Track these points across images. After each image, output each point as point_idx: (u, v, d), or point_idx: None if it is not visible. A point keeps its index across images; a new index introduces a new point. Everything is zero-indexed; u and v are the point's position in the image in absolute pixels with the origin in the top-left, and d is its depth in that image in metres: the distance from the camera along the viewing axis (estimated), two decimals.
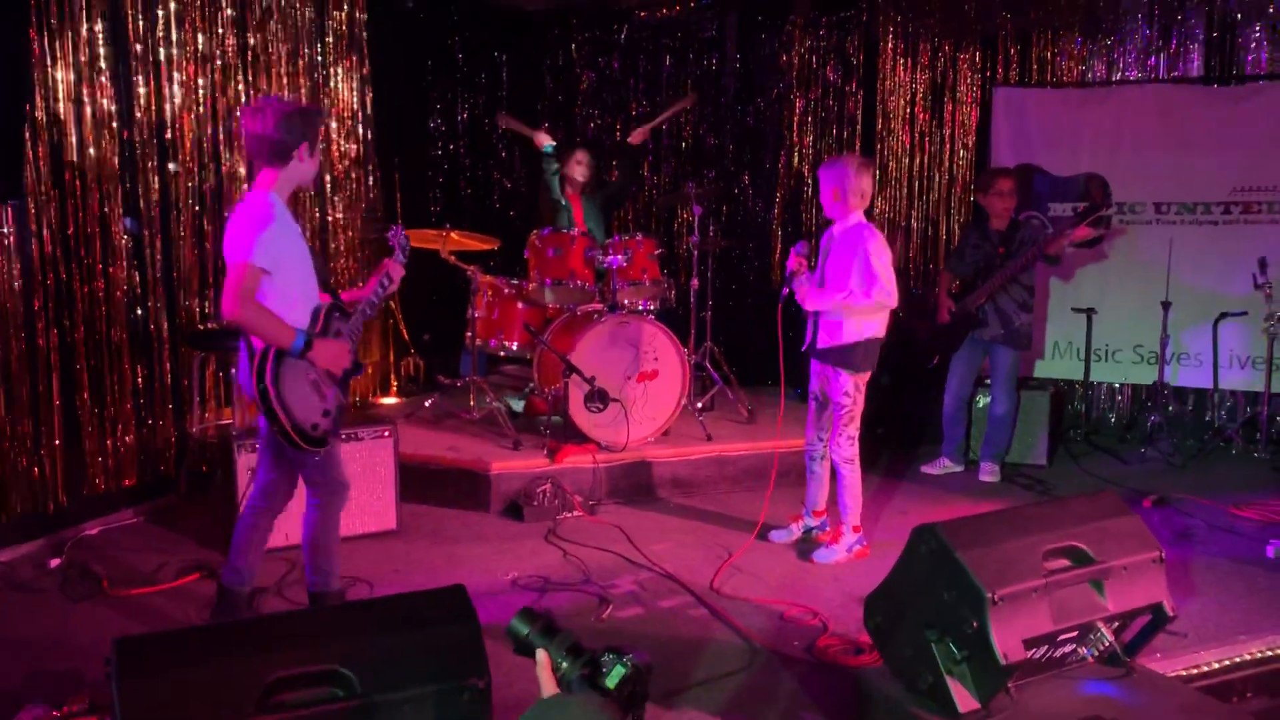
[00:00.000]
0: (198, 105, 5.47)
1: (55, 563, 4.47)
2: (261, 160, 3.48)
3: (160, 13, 5.22)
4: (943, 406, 6.28)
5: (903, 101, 7.60)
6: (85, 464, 4.95)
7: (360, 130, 6.59)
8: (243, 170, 5.75)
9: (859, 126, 7.74)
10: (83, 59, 4.81)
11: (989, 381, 6.23)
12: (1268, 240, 6.60)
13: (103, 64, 4.91)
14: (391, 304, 7.01)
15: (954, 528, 2.89)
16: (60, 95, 4.72)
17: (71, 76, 4.76)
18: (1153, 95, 6.94)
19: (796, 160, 7.87)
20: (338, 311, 3.64)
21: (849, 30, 7.69)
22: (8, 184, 4.53)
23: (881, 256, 4.48)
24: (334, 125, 6.41)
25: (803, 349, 4.78)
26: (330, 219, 6.44)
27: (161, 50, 5.25)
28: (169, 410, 5.40)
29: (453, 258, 6.10)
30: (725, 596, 4.28)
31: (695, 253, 6.42)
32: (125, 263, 5.11)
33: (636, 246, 5.98)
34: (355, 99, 6.52)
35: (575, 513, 5.29)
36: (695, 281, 6.39)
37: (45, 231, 4.67)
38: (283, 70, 5.97)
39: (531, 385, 6.12)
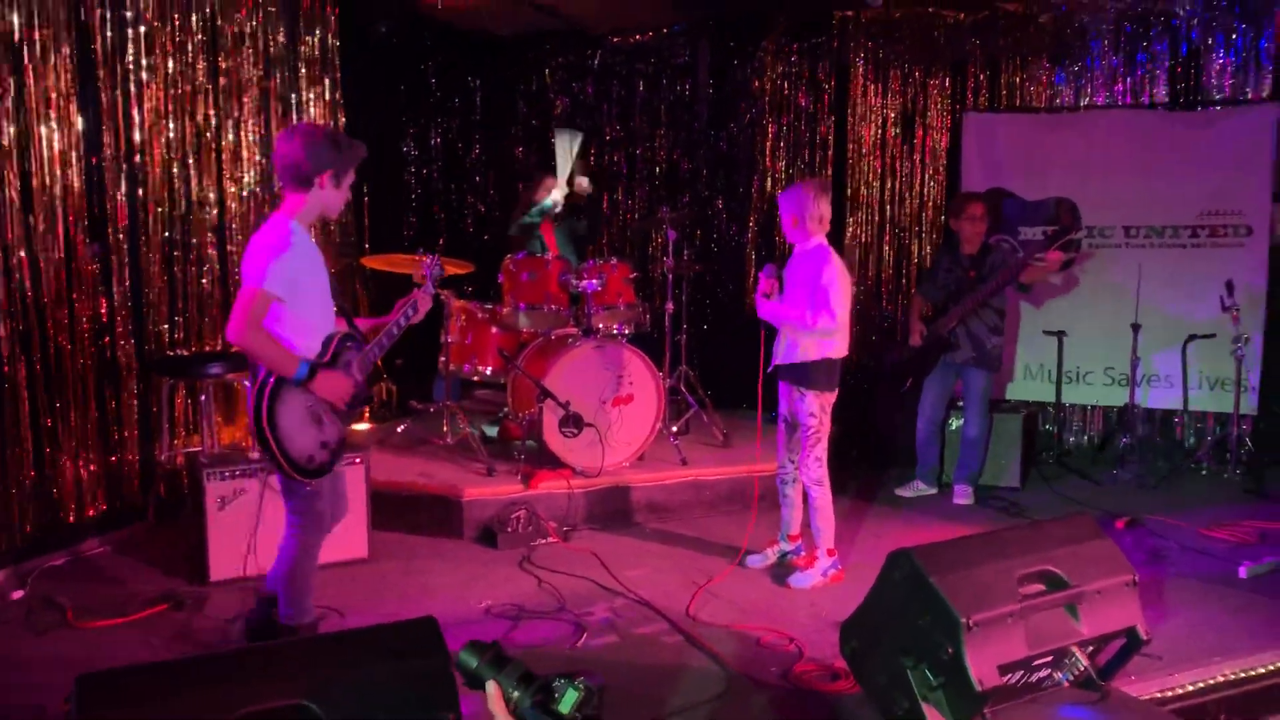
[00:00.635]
0: (167, 130, 5.43)
1: (18, 594, 4.39)
2: (286, 183, 3.48)
3: (130, 35, 5.19)
4: (916, 429, 6.30)
5: (874, 127, 7.67)
6: (52, 493, 4.87)
7: None
8: (213, 195, 5.72)
9: (831, 151, 7.80)
10: (49, 83, 4.77)
11: (961, 404, 6.25)
12: (1234, 263, 6.68)
13: (70, 88, 4.86)
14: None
15: (928, 553, 2.89)
16: (26, 120, 4.67)
17: (38, 101, 4.71)
18: (1120, 120, 7.03)
19: (770, 185, 7.90)
20: (351, 340, 3.62)
21: (820, 56, 7.75)
22: None
23: (834, 282, 4.51)
24: None
25: (769, 370, 4.79)
26: None
27: (131, 75, 5.21)
28: (137, 438, 5.32)
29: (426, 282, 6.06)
30: (701, 623, 4.25)
31: (670, 277, 6.43)
32: (93, 289, 5.05)
33: (611, 270, 5.98)
34: (328, 122, 6.49)
35: (550, 539, 5.26)
36: (670, 305, 6.40)
37: (12, 259, 4.61)
38: (255, 95, 5.94)
39: (505, 410, 6.08)
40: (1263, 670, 3.84)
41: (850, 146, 7.70)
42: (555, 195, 6.45)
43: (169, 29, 5.41)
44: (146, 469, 5.37)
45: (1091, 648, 2.97)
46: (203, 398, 5.46)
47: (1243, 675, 3.79)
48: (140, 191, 5.32)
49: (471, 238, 8.50)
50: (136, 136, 5.26)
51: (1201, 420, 7.10)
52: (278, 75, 6.11)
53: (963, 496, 6.12)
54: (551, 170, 6.98)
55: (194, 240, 5.63)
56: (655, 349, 6.25)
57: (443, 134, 8.35)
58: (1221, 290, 6.36)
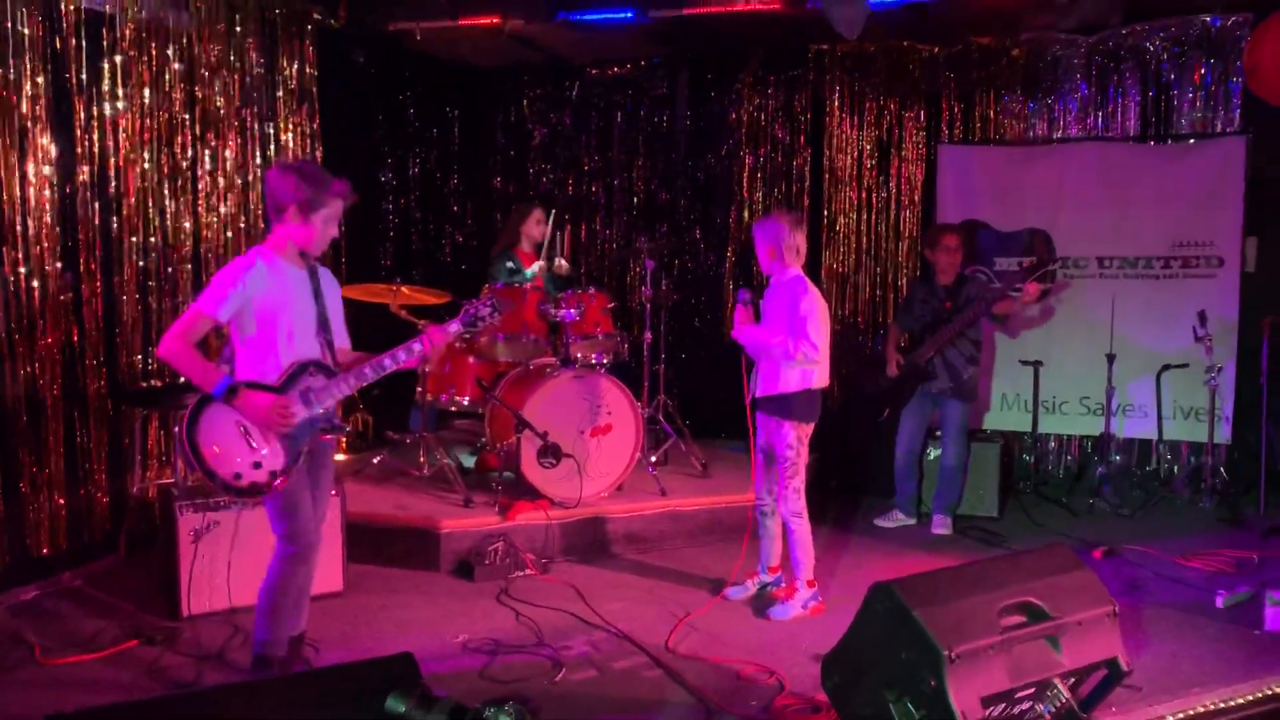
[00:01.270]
0: (143, 160, 5.40)
1: None
2: (269, 215, 3.68)
3: (105, 65, 5.17)
4: (894, 459, 6.30)
5: (850, 158, 7.72)
6: (22, 526, 4.79)
7: None
8: (188, 225, 5.69)
9: (808, 183, 7.84)
10: (24, 111, 4.73)
11: (939, 434, 6.27)
12: (1207, 293, 6.75)
13: (44, 116, 4.83)
14: None
15: (910, 585, 2.88)
16: None
17: (11, 129, 4.68)
18: (1093, 153, 7.11)
19: (747, 215, 7.94)
20: (313, 369, 3.63)
21: (797, 89, 7.82)
22: None
23: (813, 311, 4.52)
24: None
25: (747, 401, 4.79)
26: None
27: (106, 103, 5.19)
28: (108, 469, 5.25)
29: (403, 312, 6.03)
30: (681, 656, 4.22)
31: (648, 306, 6.43)
32: (65, 318, 4.99)
33: (589, 300, 5.97)
34: (305, 152, 6.47)
35: (528, 571, 5.21)
36: (648, 335, 6.40)
37: None
38: (231, 125, 5.92)
39: (483, 440, 6.04)
40: (1241, 701, 3.84)
41: (826, 178, 7.76)
42: (536, 268, 6.42)
43: (145, 58, 5.39)
44: (118, 501, 5.29)
45: (1073, 679, 2.97)
46: (175, 429, 5.38)
47: (1222, 705, 3.79)
48: (114, 221, 5.27)
49: (449, 267, 8.49)
50: (111, 165, 5.22)
51: (1176, 449, 7.15)
52: (255, 105, 6.09)
53: (941, 526, 6.12)
54: (534, 201, 6.98)
55: (169, 270, 5.59)
56: (634, 379, 6.24)
57: (421, 164, 8.34)
58: (1194, 321, 6.42)
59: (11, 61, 4.65)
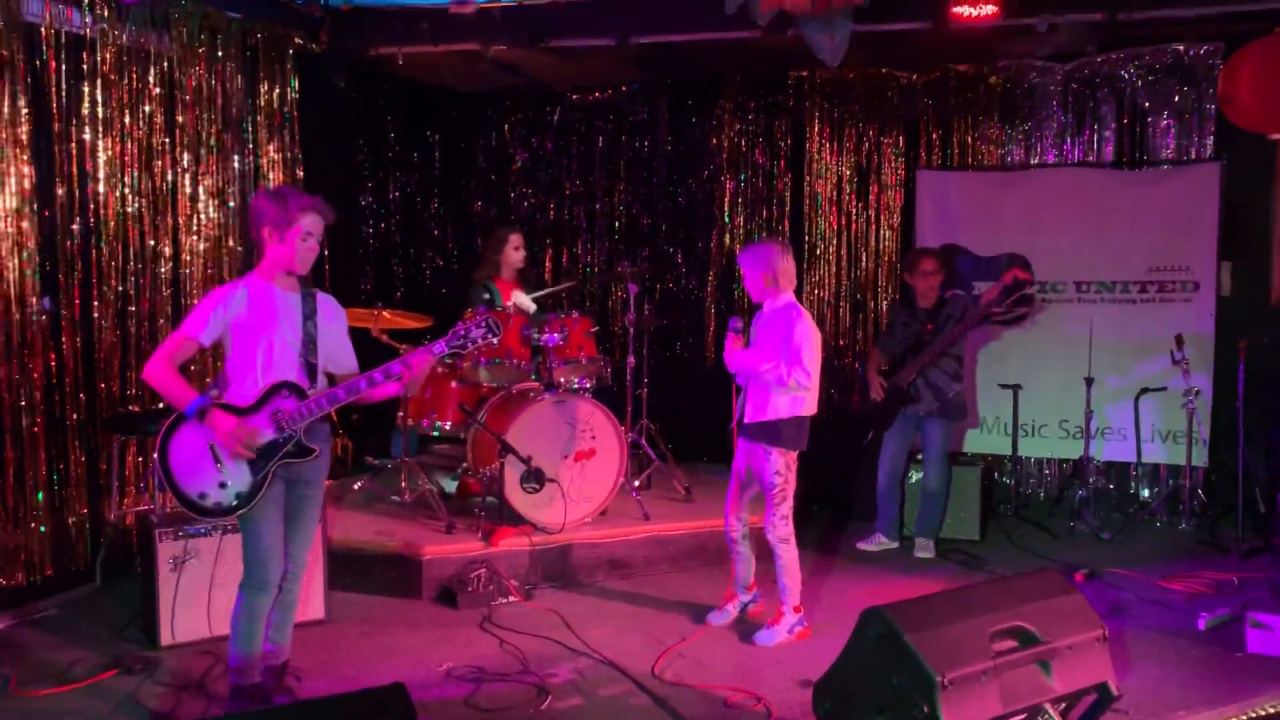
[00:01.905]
0: (123, 183, 5.36)
1: None
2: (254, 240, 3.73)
3: (85, 89, 5.14)
4: (877, 482, 6.31)
5: (829, 184, 7.77)
6: None
7: None
8: (168, 249, 5.66)
9: (788, 208, 7.88)
10: (3, 136, 4.69)
11: (920, 457, 6.29)
12: (1183, 317, 6.82)
13: (24, 139, 4.79)
14: None
15: (901, 610, 2.88)
16: None
17: None
18: (1069, 178, 7.19)
19: (729, 240, 7.97)
20: (285, 390, 3.61)
21: (776, 115, 7.87)
22: None
23: (806, 338, 4.53)
24: None
25: (731, 426, 4.78)
26: None
27: (87, 127, 5.15)
28: (86, 496, 5.18)
29: (384, 336, 6.01)
30: (667, 683, 4.19)
31: (631, 330, 6.43)
32: (43, 343, 4.94)
33: (572, 324, 5.96)
34: (286, 176, 6.45)
35: (511, 598, 5.16)
36: (631, 359, 6.39)
37: None
38: (212, 147, 5.89)
39: (465, 465, 6.01)
40: None
41: (807, 203, 7.80)
42: (520, 256, 6.41)
43: (126, 82, 5.36)
44: (95, 528, 5.22)
45: (1064, 704, 2.97)
46: (155, 455, 5.33)
47: None
48: (93, 244, 5.23)
49: (430, 291, 8.46)
50: (91, 189, 5.18)
51: (1155, 472, 7.20)
52: (236, 129, 6.07)
53: (924, 550, 6.13)
54: (511, 225, 6.97)
55: (148, 294, 5.54)
56: (617, 403, 6.22)
57: (401, 187, 8.33)
58: (1171, 344, 6.49)
59: None
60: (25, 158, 4.81)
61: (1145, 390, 6.90)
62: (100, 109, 5.22)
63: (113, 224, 5.32)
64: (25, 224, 4.82)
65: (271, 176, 6.33)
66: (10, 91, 4.73)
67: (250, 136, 6.20)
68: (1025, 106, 7.38)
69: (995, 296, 6.01)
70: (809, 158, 7.78)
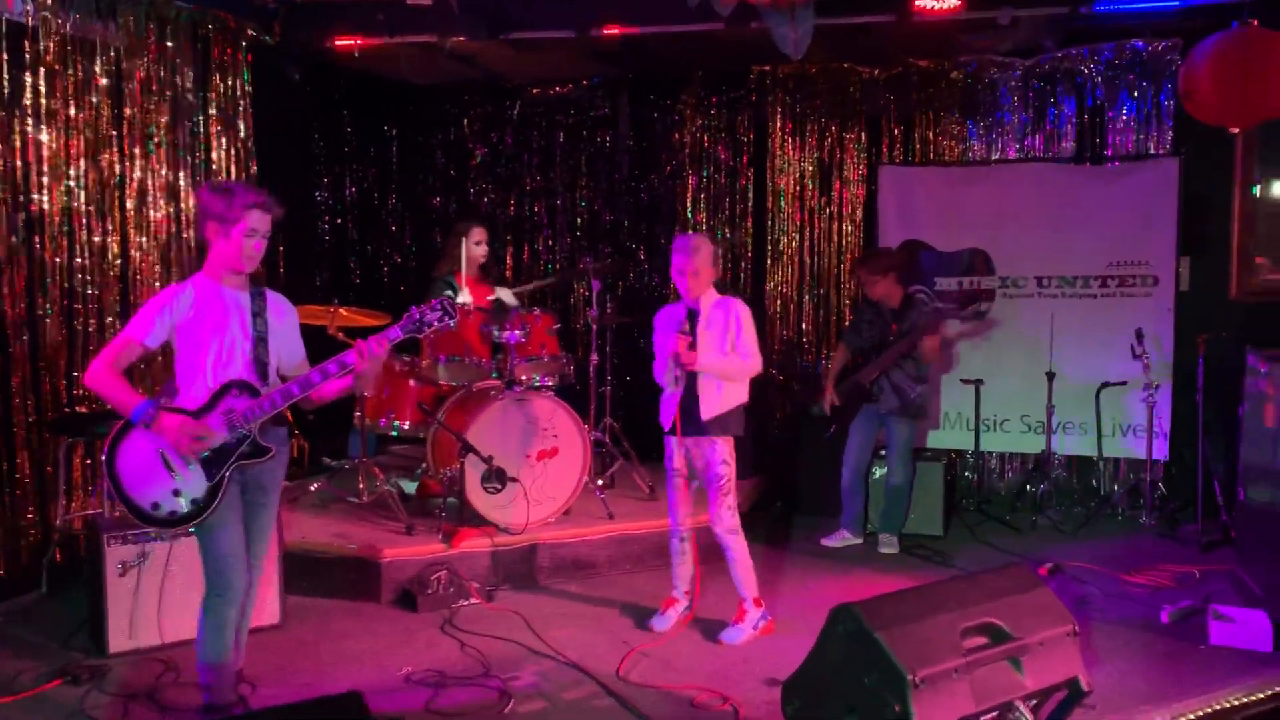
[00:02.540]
0: (68, 178, 5.20)
1: None
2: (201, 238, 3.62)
3: (27, 80, 4.98)
4: (840, 478, 6.28)
5: (792, 179, 7.74)
6: None
7: None
8: (116, 246, 5.50)
9: (750, 203, 7.85)
10: None
11: (884, 453, 6.27)
12: (1143, 312, 6.86)
13: None
14: None
15: (872, 607, 2.83)
16: None
17: None
18: (1030, 174, 7.20)
19: None
20: (236, 389, 3.49)
21: (739, 110, 7.83)
22: None
23: (751, 328, 4.62)
24: None
25: (666, 431, 4.69)
26: None
27: (29, 119, 4.99)
28: (32, 500, 5.02)
29: (340, 334, 5.88)
30: (632, 684, 4.12)
31: (594, 328, 6.35)
32: None
33: (534, 321, 5.87)
34: (239, 171, 6.30)
35: (473, 600, 5.07)
36: (595, 356, 6.31)
37: None
38: (161, 141, 5.74)
39: (425, 466, 5.90)
40: (1192, 717, 3.86)
41: (770, 198, 7.76)
42: (483, 250, 6.32)
43: (71, 72, 5.20)
44: (41, 533, 5.06)
45: (1035, 701, 2.93)
46: (103, 464, 5.17)
47: None
48: (37, 241, 5.06)
49: (387, 289, 8.33)
50: (34, 184, 5.02)
51: (1116, 466, 7.23)
52: (187, 122, 5.92)
53: (887, 545, 6.11)
54: (474, 219, 6.86)
55: (96, 292, 5.38)
56: (580, 401, 6.14)
57: (358, 182, 8.20)
58: (1132, 339, 6.52)
59: None
60: None
61: (1106, 384, 6.93)
62: (44, 100, 5.06)
63: (58, 219, 5.16)
64: None
65: (223, 170, 6.18)
66: None
67: (202, 130, 6.05)
68: (986, 102, 7.38)
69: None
70: (772, 153, 7.74)
